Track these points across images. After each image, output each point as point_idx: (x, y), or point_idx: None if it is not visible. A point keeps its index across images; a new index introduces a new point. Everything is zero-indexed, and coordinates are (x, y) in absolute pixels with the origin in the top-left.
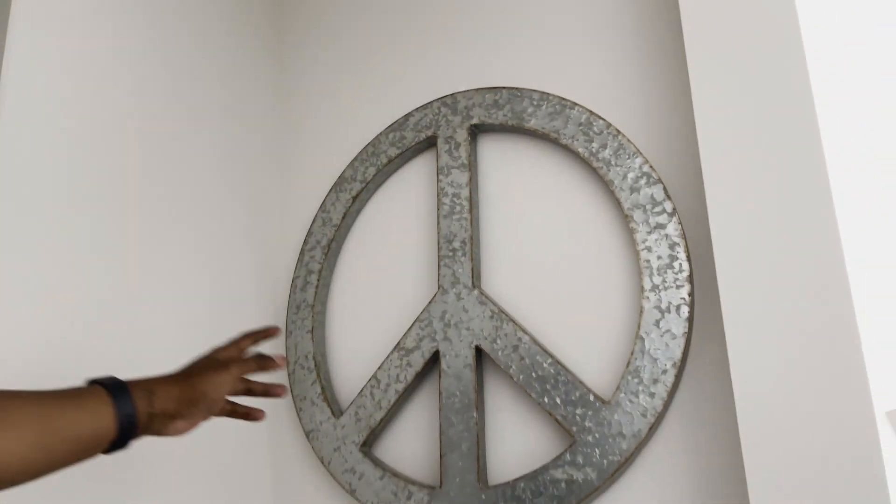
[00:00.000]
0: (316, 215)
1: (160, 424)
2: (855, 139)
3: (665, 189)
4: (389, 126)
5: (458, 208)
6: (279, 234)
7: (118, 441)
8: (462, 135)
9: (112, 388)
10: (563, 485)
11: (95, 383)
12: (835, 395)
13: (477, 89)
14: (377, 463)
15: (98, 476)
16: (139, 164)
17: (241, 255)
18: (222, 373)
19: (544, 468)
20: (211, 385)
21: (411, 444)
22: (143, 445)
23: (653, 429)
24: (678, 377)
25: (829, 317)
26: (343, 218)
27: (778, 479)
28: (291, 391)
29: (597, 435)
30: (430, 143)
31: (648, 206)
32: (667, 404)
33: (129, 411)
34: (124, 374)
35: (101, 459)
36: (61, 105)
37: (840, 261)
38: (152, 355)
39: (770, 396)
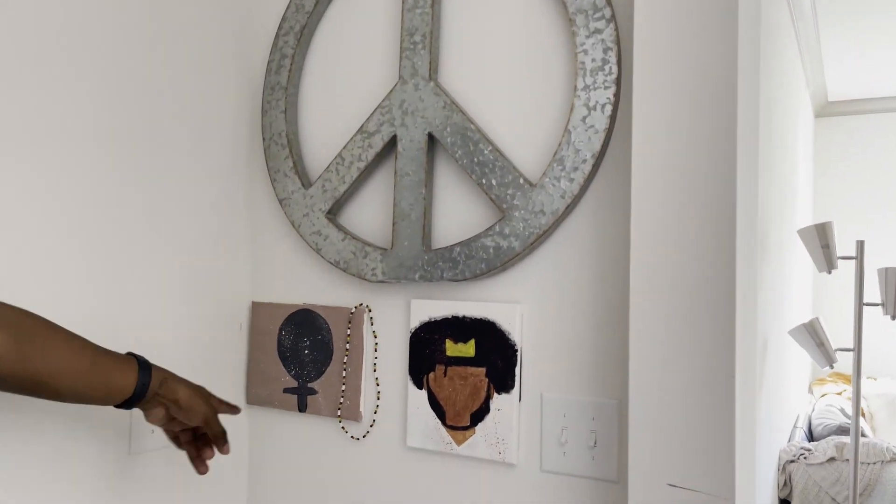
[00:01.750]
0: (290, 2)
1: (152, 405)
2: None
3: None
4: None
5: (420, 2)
6: (256, 19)
7: (128, 401)
8: None
9: (141, 363)
10: (491, 250)
11: (132, 355)
12: (706, 196)
13: None
14: (340, 228)
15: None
16: None
17: (219, 40)
18: (208, 405)
19: (477, 237)
20: (199, 403)
21: (368, 214)
22: (138, 216)
23: (569, 208)
24: (595, 167)
25: (712, 123)
26: (315, 5)
27: (654, 263)
28: (267, 164)
29: (522, 211)
30: None
31: (590, 11)
32: (583, 189)
33: (146, 382)
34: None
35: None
36: None
37: (733, 74)
38: (144, 132)
39: (658, 184)
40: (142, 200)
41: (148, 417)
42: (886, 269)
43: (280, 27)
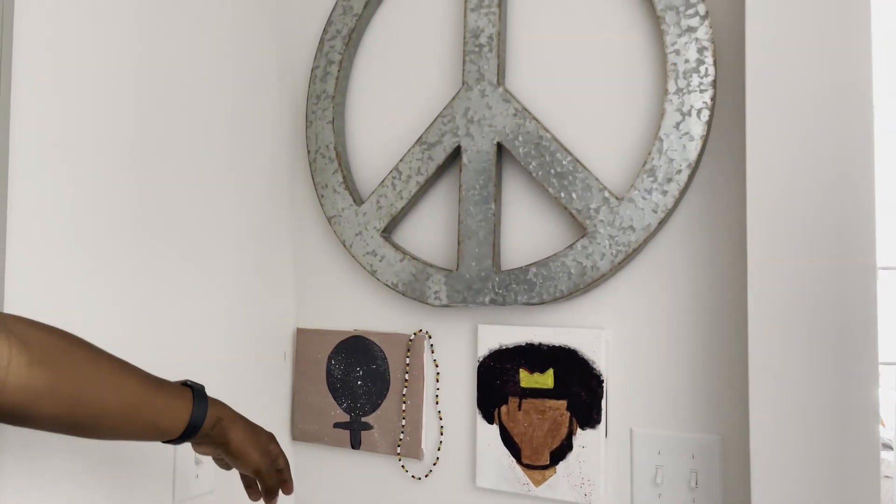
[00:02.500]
0: (336, 4)
1: (201, 442)
2: None
3: None
4: None
5: (486, 2)
6: (297, 23)
7: (177, 439)
8: None
9: (197, 396)
10: (572, 271)
11: (188, 386)
12: (843, 211)
13: None
14: (397, 247)
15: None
16: None
17: (259, 45)
18: (263, 454)
19: (556, 256)
20: (251, 452)
21: (429, 232)
22: (176, 237)
23: (662, 223)
24: (691, 177)
25: (848, 136)
26: (364, 7)
27: (778, 280)
28: (313, 179)
29: (609, 228)
30: None
31: (681, 8)
32: (677, 202)
33: (197, 423)
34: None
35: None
36: None
37: (868, 88)
38: (182, 145)
39: (781, 197)
40: (178, 222)
41: (195, 450)
42: None
43: (325, 31)
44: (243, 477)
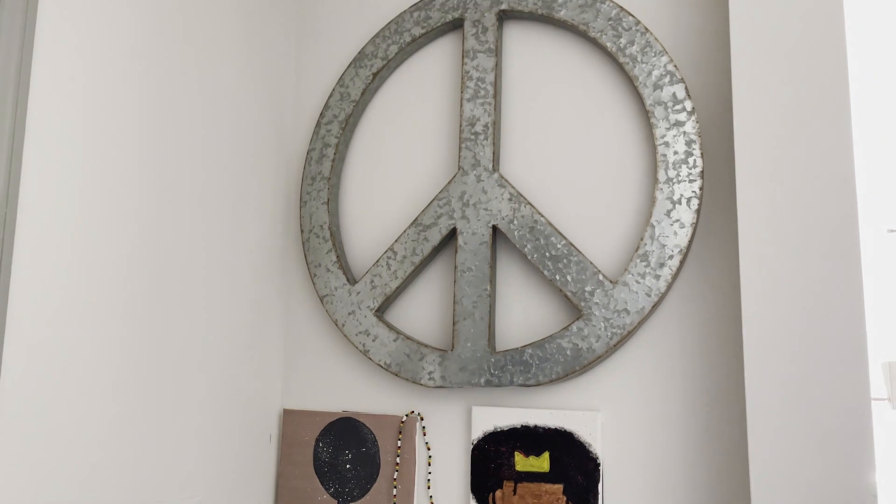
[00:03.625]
0: (333, 90)
1: None
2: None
3: (686, 88)
4: (415, 4)
5: (482, 92)
6: (294, 107)
7: None
8: (490, 19)
9: None
10: (568, 352)
11: None
12: (833, 295)
13: None
14: (391, 327)
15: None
16: (152, 42)
17: (256, 127)
18: None
19: (551, 338)
20: None
21: (423, 312)
22: (163, 314)
23: (655, 306)
24: (682, 262)
25: (836, 223)
26: (362, 94)
27: (774, 362)
28: (306, 259)
29: (604, 310)
30: (455, 25)
31: (670, 104)
32: (670, 286)
33: None
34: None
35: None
36: None
37: (851, 177)
38: (175, 222)
39: (772, 283)
40: (167, 299)
41: None
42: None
43: (322, 115)
44: None
